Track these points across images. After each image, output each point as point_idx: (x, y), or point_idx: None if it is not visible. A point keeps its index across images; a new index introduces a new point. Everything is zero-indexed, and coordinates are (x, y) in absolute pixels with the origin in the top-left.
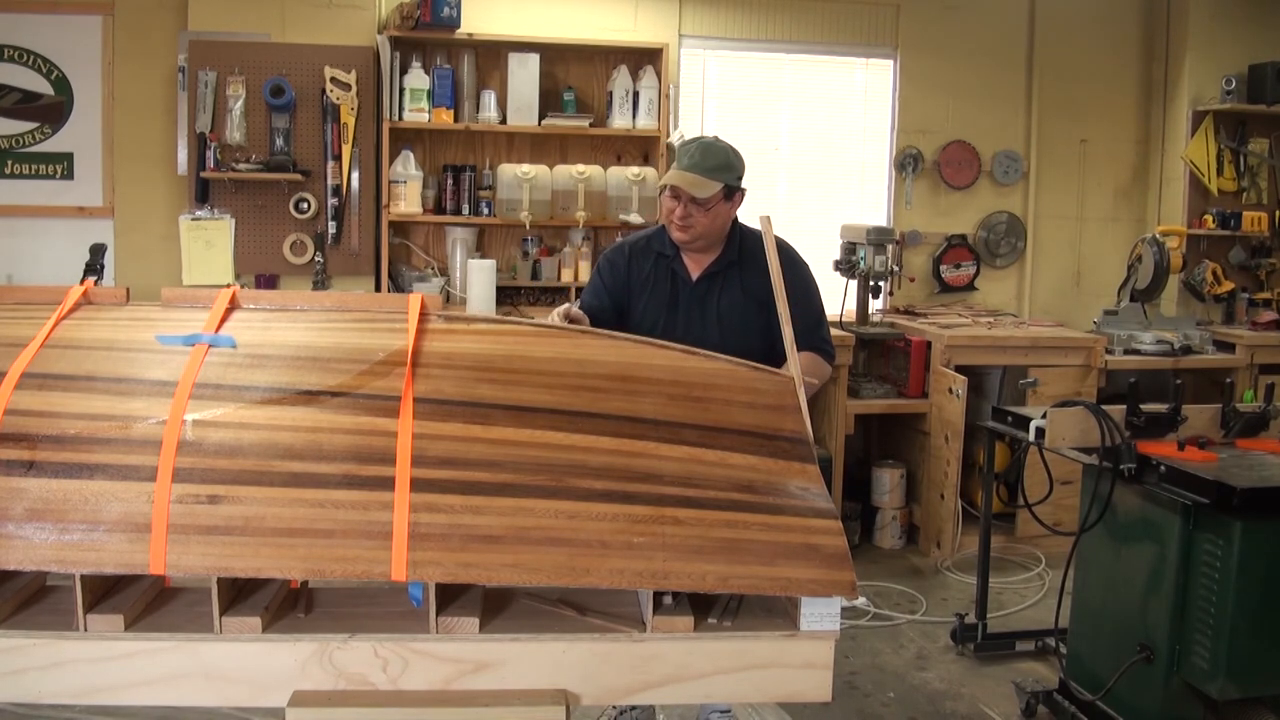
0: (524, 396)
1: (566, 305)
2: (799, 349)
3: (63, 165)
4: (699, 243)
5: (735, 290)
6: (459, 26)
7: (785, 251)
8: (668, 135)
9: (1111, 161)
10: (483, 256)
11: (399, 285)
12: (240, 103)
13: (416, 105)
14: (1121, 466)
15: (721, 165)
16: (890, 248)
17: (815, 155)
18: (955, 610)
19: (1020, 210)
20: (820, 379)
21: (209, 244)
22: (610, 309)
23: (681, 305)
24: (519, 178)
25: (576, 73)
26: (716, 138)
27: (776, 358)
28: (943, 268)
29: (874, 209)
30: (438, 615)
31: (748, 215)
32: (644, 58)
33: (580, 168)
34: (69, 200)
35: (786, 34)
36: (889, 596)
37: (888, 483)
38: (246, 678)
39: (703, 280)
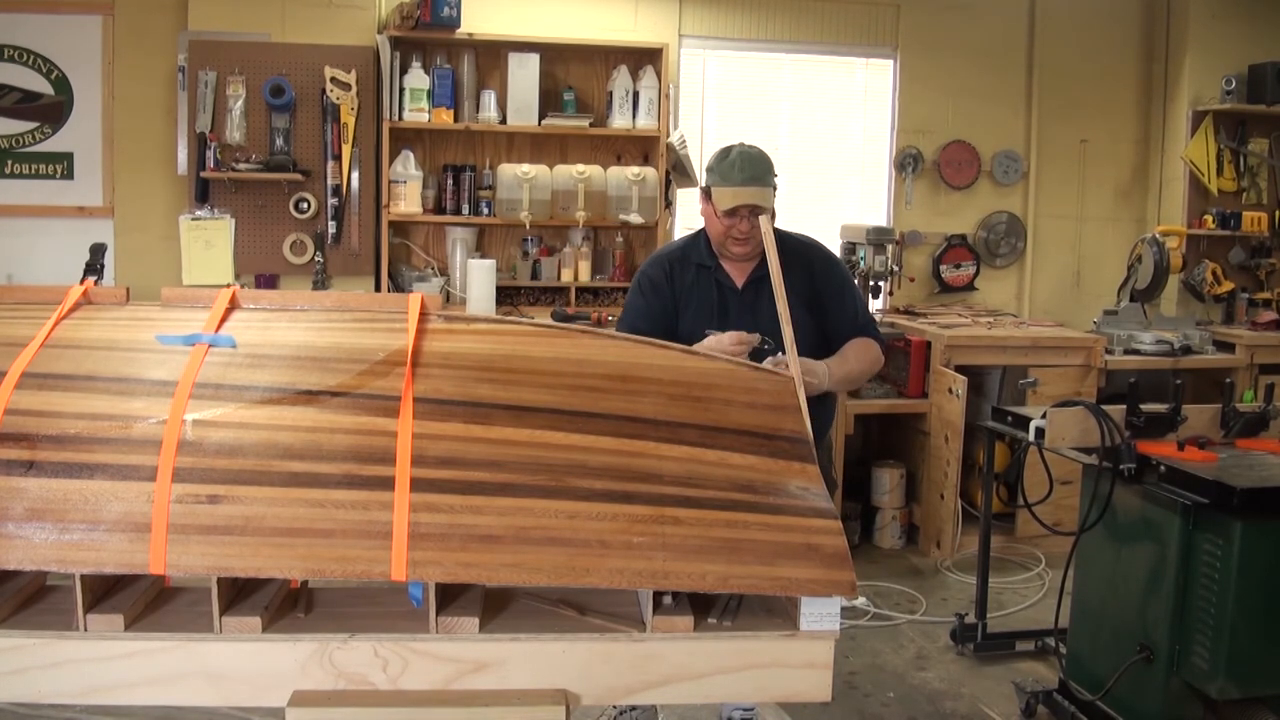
0: (524, 396)
1: (718, 337)
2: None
3: (63, 165)
4: (755, 250)
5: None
6: (459, 26)
7: (818, 249)
8: (668, 135)
9: (1111, 161)
10: (483, 256)
11: (399, 285)
12: (240, 103)
13: (416, 105)
14: (1121, 466)
15: (769, 169)
16: (890, 248)
17: (815, 155)
18: (955, 610)
19: (1020, 210)
20: (876, 364)
21: (209, 244)
22: (662, 329)
23: (732, 313)
24: (519, 178)
25: (576, 73)
26: (743, 143)
27: (828, 352)
28: (942, 268)
29: (874, 209)
30: (438, 615)
31: None
32: (644, 58)
33: (580, 168)
34: (69, 200)
35: (786, 34)
36: (889, 596)
37: (888, 483)
38: (246, 678)
39: (749, 287)
